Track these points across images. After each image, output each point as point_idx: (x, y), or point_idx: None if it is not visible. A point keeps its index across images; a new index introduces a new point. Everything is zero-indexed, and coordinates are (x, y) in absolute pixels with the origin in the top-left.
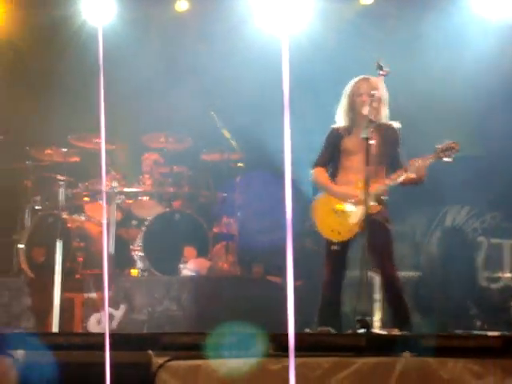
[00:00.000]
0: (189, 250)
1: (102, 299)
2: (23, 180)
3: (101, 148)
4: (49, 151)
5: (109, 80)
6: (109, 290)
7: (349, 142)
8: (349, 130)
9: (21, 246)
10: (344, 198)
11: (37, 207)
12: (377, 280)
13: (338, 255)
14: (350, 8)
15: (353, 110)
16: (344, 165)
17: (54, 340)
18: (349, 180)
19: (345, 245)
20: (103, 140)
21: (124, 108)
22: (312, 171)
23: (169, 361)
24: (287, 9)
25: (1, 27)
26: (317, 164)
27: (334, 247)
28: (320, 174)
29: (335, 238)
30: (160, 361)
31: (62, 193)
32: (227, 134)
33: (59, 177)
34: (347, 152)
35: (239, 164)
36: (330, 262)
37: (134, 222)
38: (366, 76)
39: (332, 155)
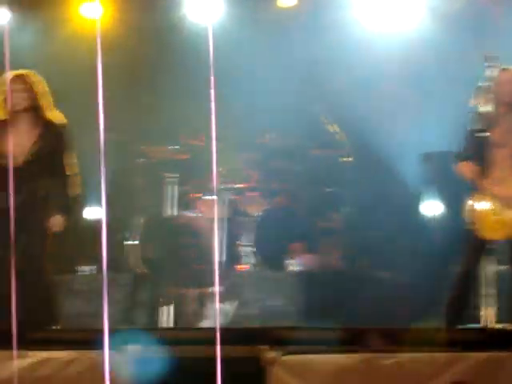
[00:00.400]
0: (296, 246)
1: (214, 294)
2: (135, 177)
3: (211, 145)
4: (160, 149)
5: (218, 77)
6: (220, 285)
7: (495, 134)
8: (495, 120)
9: (132, 242)
10: (501, 200)
11: (148, 204)
12: (488, 274)
13: (486, 254)
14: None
15: (496, 99)
16: (489, 159)
17: (167, 335)
18: (496, 177)
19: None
20: (214, 138)
21: (232, 104)
22: (457, 165)
23: (281, 355)
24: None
25: (109, 30)
26: (461, 157)
27: (494, 246)
28: (467, 169)
29: (494, 238)
30: (272, 355)
31: (172, 190)
32: (335, 128)
33: (170, 174)
34: (493, 144)
35: (347, 158)
36: (475, 261)
37: (242, 218)
38: (507, 66)
39: (476, 147)
